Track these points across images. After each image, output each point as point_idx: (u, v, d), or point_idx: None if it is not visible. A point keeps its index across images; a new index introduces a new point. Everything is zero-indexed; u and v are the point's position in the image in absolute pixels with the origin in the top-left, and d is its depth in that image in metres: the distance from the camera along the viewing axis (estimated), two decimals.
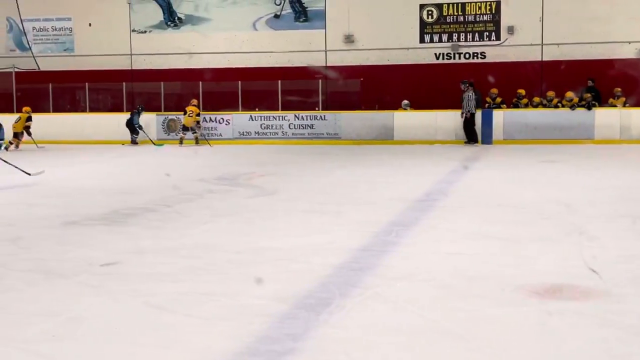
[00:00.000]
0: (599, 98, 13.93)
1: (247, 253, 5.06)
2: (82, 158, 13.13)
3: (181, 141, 14.49)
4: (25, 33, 17.20)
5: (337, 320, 3.40)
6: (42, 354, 2.89)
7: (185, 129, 14.53)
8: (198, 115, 14.65)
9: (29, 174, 8.48)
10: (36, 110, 14.95)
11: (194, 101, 14.84)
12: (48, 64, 17.03)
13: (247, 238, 5.69)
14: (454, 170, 11.03)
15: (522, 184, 9.39)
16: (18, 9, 16.89)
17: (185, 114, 14.51)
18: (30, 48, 17.20)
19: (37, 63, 17.03)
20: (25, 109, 14.13)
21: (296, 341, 3.04)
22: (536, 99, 14.37)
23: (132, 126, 14.96)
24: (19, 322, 3.37)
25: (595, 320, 3.34)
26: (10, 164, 9.16)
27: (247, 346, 2.97)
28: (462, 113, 13.75)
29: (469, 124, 13.90)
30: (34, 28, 17.19)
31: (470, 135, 13.96)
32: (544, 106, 14.35)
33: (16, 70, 16.88)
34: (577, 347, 2.97)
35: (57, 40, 17.20)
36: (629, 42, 14.33)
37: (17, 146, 13.48)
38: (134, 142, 14.92)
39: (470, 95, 13.85)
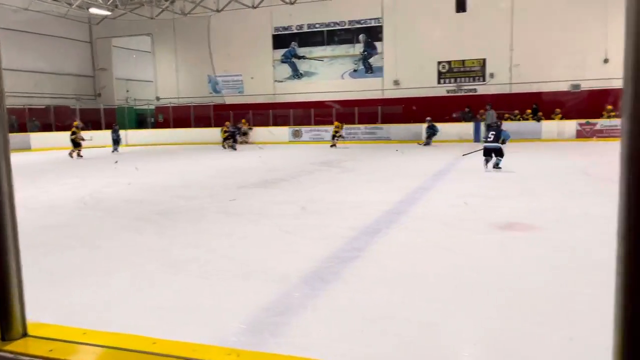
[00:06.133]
0: (538, 115, 21.15)
1: (336, 204, 7.06)
2: (259, 152, 21.13)
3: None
4: (217, 82, 26.84)
5: (383, 240, 4.95)
6: (231, 257, 4.57)
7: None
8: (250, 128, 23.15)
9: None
10: (220, 124, 25.44)
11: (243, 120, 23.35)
12: (229, 100, 26.66)
13: (336, 195, 8.01)
14: (459, 157, 13.69)
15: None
16: (213, 70, 26.85)
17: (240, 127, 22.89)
18: (220, 91, 27.03)
19: (224, 99, 26.82)
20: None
21: (359, 251, 4.58)
22: (507, 115, 22.15)
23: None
24: (224, 233, 5.54)
25: (533, 242, 4.74)
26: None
27: (331, 253, 4.47)
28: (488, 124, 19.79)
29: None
30: (222, 80, 26.82)
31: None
32: (512, 119, 21.73)
33: (213, 103, 26.90)
34: (522, 256, 4.31)
35: (234, 87, 26.61)
36: (564, 81, 21.66)
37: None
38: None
39: (492, 112, 20.57)
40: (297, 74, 25.91)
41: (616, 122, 20.12)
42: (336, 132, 21.06)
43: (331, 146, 20.75)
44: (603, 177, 9.92)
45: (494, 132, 10.86)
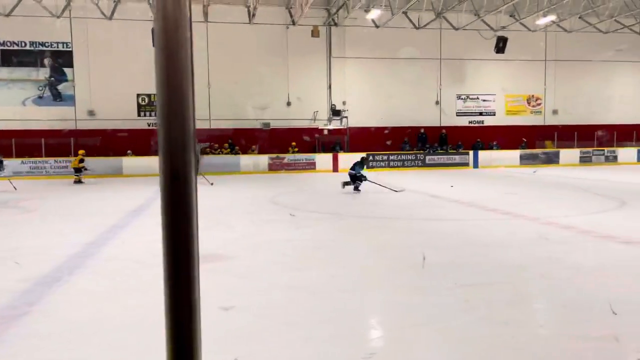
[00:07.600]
0: (235, 149, 23.09)
1: (6, 252, 6.15)
2: None
3: None
4: None
5: (63, 289, 4.39)
6: None
7: None
8: None
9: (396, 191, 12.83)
10: None
11: None
12: None
13: (7, 241, 6.94)
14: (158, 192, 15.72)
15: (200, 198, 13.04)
16: None
17: None
18: None
19: None
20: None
21: (31, 306, 4.03)
22: (207, 149, 23.11)
23: None
24: None
25: (221, 270, 5.16)
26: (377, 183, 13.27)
27: None
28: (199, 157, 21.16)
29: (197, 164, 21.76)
30: None
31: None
32: (213, 153, 22.69)
33: None
34: (211, 287, 4.46)
35: None
36: (257, 119, 24.28)
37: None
38: None
39: (198, 145, 20.58)
40: None
41: (300, 157, 23.45)
42: (81, 163, 18.36)
43: (76, 182, 18.31)
44: (287, 204, 11.30)
45: (354, 164, 13.87)
